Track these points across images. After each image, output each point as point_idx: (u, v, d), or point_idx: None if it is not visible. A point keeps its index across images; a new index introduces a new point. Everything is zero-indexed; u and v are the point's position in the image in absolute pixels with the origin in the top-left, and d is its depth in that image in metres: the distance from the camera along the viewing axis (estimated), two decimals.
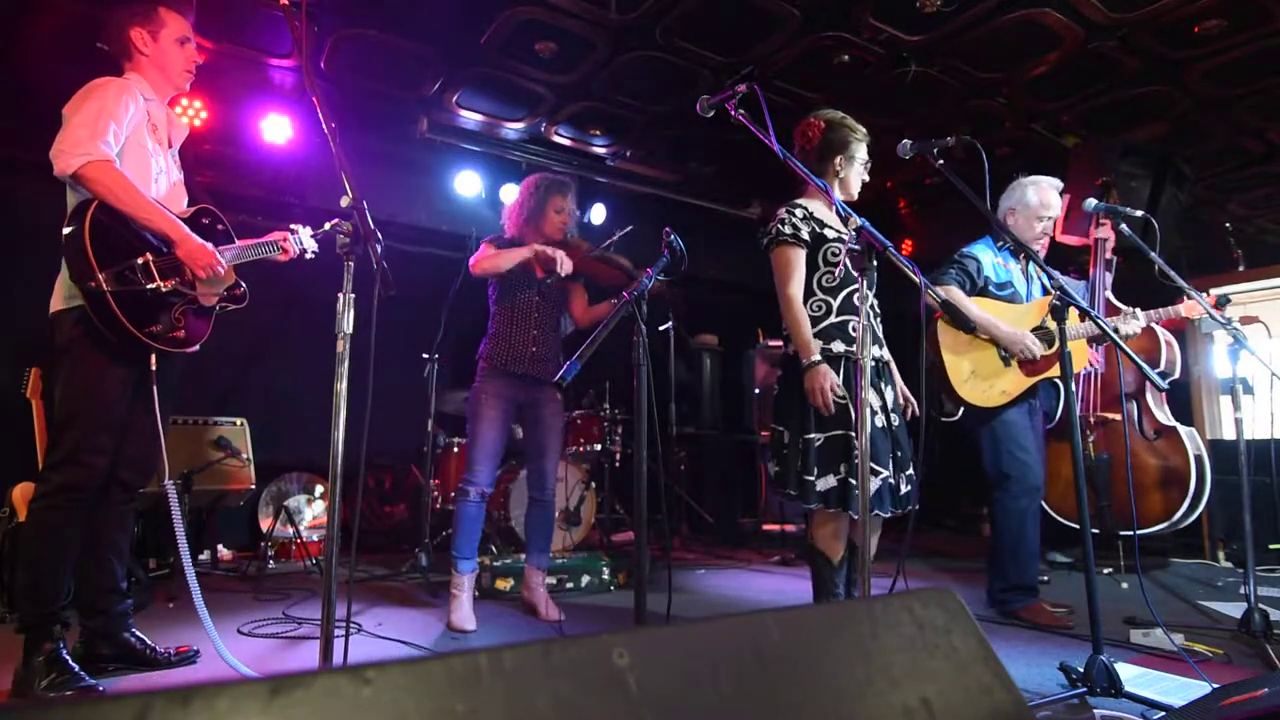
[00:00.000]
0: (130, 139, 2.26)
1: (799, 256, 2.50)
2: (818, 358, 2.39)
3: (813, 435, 2.41)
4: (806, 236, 2.49)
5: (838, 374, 2.41)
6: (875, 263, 2.48)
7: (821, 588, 2.50)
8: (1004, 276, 3.20)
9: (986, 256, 3.21)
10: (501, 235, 3.26)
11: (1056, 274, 2.49)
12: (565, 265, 2.96)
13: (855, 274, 2.12)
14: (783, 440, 2.49)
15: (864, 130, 2.62)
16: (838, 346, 2.45)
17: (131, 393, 2.30)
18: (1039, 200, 3.19)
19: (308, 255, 2.54)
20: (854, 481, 2.32)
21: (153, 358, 2.29)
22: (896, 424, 2.50)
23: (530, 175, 3.35)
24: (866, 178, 2.63)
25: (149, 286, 2.19)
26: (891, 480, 2.39)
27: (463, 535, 3.07)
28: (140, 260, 2.19)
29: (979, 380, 3.10)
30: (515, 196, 3.31)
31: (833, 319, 2.48)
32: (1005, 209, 3.28)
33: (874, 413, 2.39)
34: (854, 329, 2.45)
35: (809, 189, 2.57)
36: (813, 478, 2.39)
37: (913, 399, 2.63)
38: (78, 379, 2.20)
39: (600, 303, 3.29)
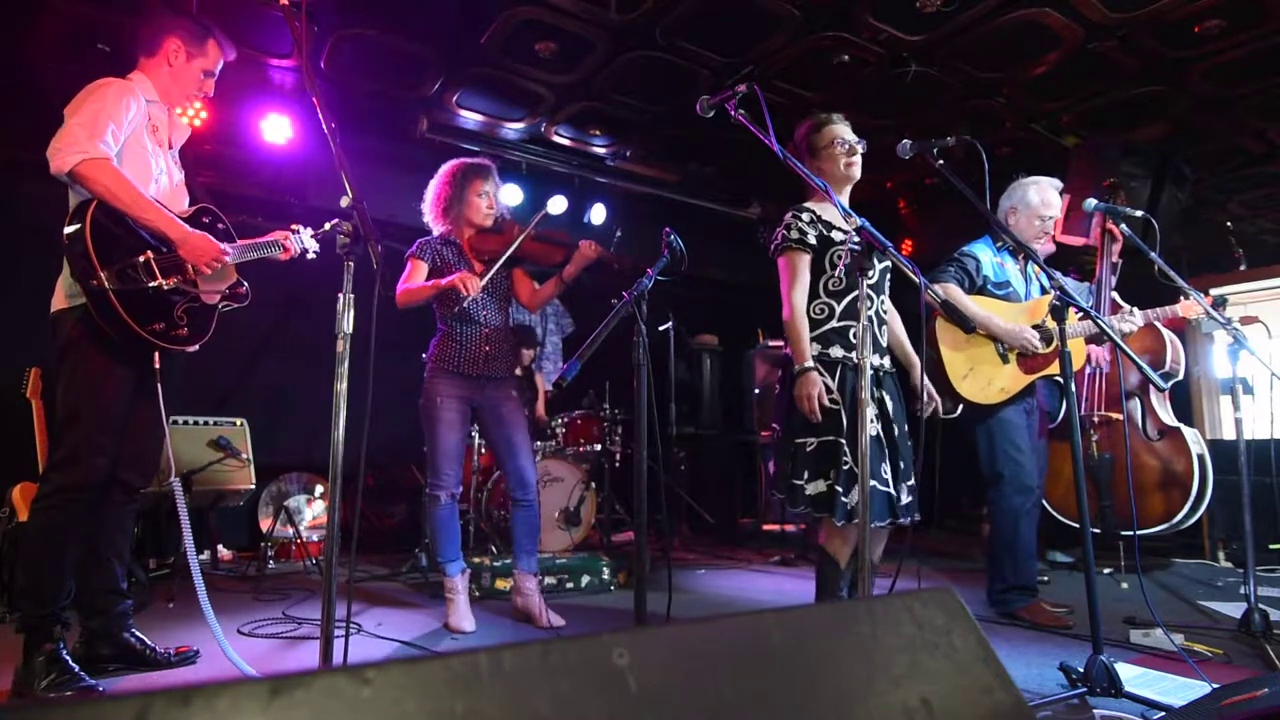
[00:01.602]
0: (130, 139, 2.26)
1: (804, 262, 2.48)
2: (809, 364, 2.38)
3: (803, 439, 2.41)
4: (814, 240, 2.48)
5: (834, 379, 2.41)
6: (879, 264, 2.47)
7: (824, 589, 2.49)
8: (1002, 276, 3.21)
9: (986, 255, 3.21)
10: (429, 240, 3.09)
11: (1056, 274, 2.49)
12: (472, 288, 2.82)
13: (856, 274, 2.11)
14: (778, 442, 2.51)
15: (829, 115, 2.54)
16: (836, 352, 2.43)
17: (133, 392, 2.30)
18: (1040, 199, 3.19)
19: (309, 255, 2.55)
20: (840, 489, 2.33)
21: (156, 356, 2.29)
22: (898, 433, 2.48)
23: (447, 163, 3.15)
24: (862, 148, 2.52)
25: (150, 284, 2.19)
26: (890, 491, 2.37)
27: (443, 540, 3.02)
28: (142, 258, 2.19)
29: (977, 377, 3.10)
30: (432, 189, 3.13)
31: (834, 323, 2.47)
32: (1006, 208, 3.28)
33: (869, 421, 2.37)
34: (854, 335, 2.44)
35: (815, 191, 2.55)
36: (801, 482, 2.39)
37: (936, 397, 2.58)
38: (80, 378, 2.21)
39: (546, 281, 3.13)
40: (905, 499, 2.42)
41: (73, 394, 2.21)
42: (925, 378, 2.59)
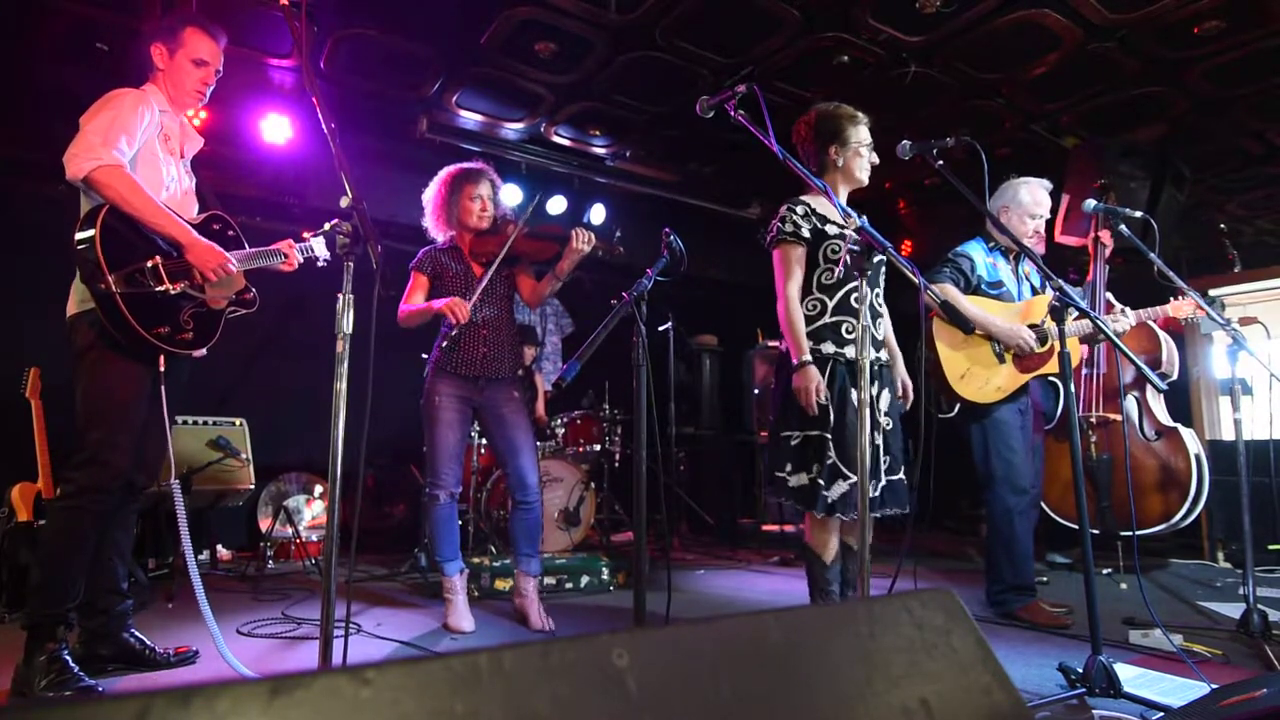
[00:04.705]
0: (143, 148, 2.30)
1: (798, 255, 2.50)
2: (808, 358, 2.40)
3: (789, 433, 2.44)
4: (807, 234, 2.49)
5: (824, 375, 2.42)
6: (876, 261, 2.47)
7: (814, 586, 2.51)
8: (996, 276, 3.22)
9: (979, 256, 3.23)
10: (431, 249, 3.14)
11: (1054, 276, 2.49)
12: (461, 315, 2.82)
13: (855, 274, 2.12)
14: (770, 434, 2.54)
15: (858, 114, 2.57)
16: (828, 348, 2.45)
17: (148, 394, 2.31)
18: (1031, 199, 3.21)
19: (320, 263, 2.56)
20: (822, 483, 2.35)
21: (160, 359, 2.31)
22: (889, 427, 2.49)
23: (441, 171, 3.20)
24: (875, 159, 2.57)
25: (158, 289, 2.21)
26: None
27: (442, 539, 3.02)
28: (150, 263, 2.21)
29: (974, 376, 3.11)
30: (429, 198, 3.18)
31: (826, 319, 2.48)
32: (997, 208, 3.28)
33: (855, 413, 2.37)
34: (847, 331, 2.46)
35: (813, 187, 2.55)
36: (785, 474, 2.42)
37: (911, 392, 2.63)
38: (96, 381, 2.24)
39: (541, 278, 3.13)
40: (873, 493, 2.40)
41: (90, 396, 2.24)
42: (906, 373, 2.62)
